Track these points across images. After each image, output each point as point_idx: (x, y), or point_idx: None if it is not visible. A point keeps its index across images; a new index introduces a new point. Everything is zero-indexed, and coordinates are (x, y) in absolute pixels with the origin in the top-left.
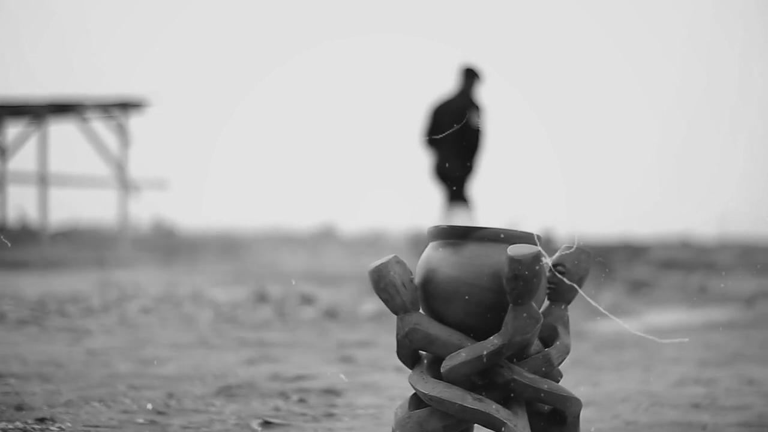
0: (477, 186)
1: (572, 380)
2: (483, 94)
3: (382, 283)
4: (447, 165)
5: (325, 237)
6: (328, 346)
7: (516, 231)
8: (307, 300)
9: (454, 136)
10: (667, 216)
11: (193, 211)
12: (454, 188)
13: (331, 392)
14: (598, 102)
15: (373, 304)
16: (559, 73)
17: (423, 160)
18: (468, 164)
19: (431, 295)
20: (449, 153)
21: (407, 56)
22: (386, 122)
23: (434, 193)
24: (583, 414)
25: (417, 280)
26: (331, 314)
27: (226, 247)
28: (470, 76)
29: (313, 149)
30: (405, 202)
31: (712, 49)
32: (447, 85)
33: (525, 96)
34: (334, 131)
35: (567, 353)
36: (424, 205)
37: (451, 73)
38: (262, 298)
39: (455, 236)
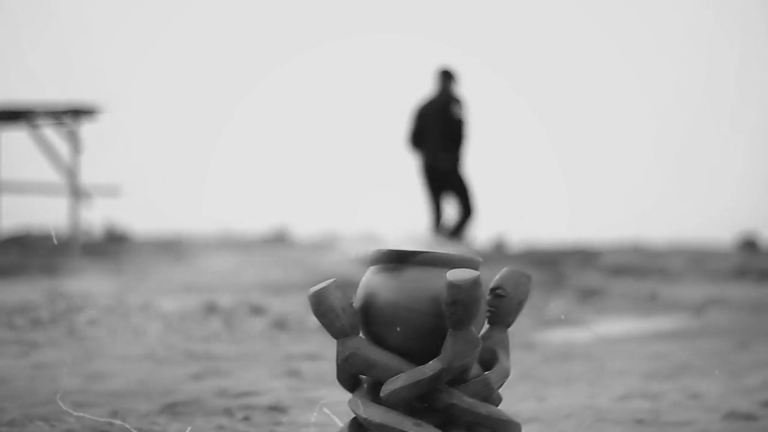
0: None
1: (518, 395)
2: (460, 92)
3: (321, 307)
4: (436, 159)
5: (278, 241)
6: (276, 359)
7: (456, 255)
8: (256, 311)
9: (439, 131)
10: (665, 218)
11: (152, 216)
12: (456, 230)
13: (276, 409)
14: (596, 101)
15: None
16: (558, 71)
17: (410, 162)
18: (455, 156)
19: (371, 319)
20: (437, 147)
21: (407, 56)
22: (381, 123)
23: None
24: (527, 431)
25: (357, 304)
26: (280, 325)
27: (178, 253)
28: (446, 77)
29: (304, 150)
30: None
31: (712, 49)
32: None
33: (524, 95)
34: (329, 131)
35: (506, 377)
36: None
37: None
38: (211, 309)
39: (395, 260)
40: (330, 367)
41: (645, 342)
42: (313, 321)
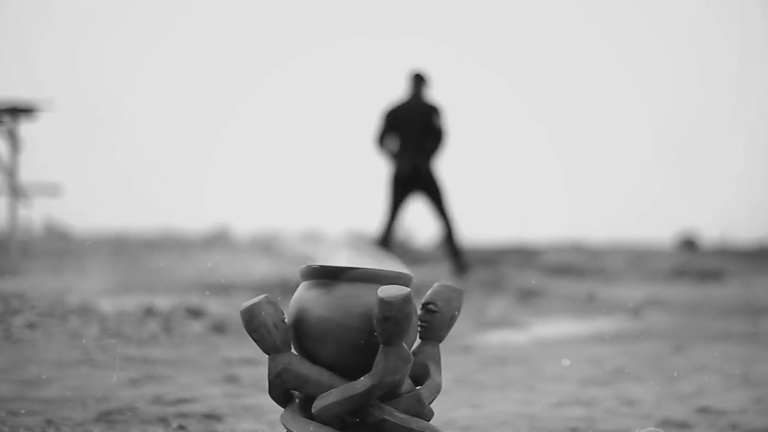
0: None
1: (454, 401)
2: (433, 96)
3: (253, 323)
4: (419, 165)
5: (219, 239)
6: (213, 364)
7: (387, 271)
8: (194, 313)
9: (419, 138)
10: (665, 218)
11: (93, 215)
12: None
13: (212, 417)
14: (593, 99)
15: None
16: (555, 69)
17: (379, 165)
18: (434, 162)
19: (303, 335)
20: (419, 154)
21: (407, 56)
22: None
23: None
24: None
25: (289, 319)
26: (219, 329)
27: (119, 252)
28: (419, 81)
29: (265, 150)
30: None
31: (711, 47)
32: (445, 86)
33: (522, 94)
34: (319, 131)
35: (438, 392)
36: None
37: (455, 72)
38: (149, 311)
39: (326, 276)
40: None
41: (582, 345)
42: None
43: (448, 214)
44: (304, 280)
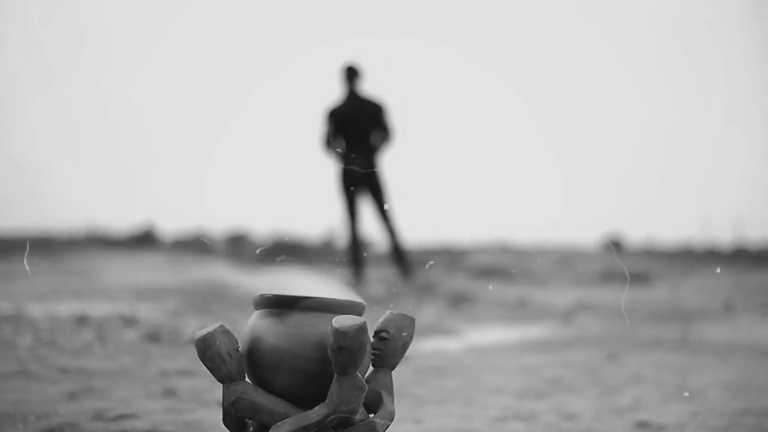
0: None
1: (396, 416)
2: (368, 88)
3: (208, 352)
4: (370, 165)
5: (145, 240)
6: (150, 376)
7: (341, 300)
8: (127, 321)
9: (366, 135)
10: (661, 215)
11: (15, 213)
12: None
13: None
14: (590, 97)
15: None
16: (551, 66)
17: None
18: (372, 164)
19: (257, 364)
20: (368, 152)
21: (407, 57)
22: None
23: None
24: None
25: (243, 348)
26: (153, 337)
27: (46, 253)
28: (352, 74)
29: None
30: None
31: (704, 44)
32: (448, 86)
33: (522, 93)
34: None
35: (392, 420)
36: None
37: (456, 74)
38: (82, 319)
39: (280, 305)
40: (205, 385)
41: (516, 353)
42: (186, 333)
43: (391, 216)
44: (257, 309)
